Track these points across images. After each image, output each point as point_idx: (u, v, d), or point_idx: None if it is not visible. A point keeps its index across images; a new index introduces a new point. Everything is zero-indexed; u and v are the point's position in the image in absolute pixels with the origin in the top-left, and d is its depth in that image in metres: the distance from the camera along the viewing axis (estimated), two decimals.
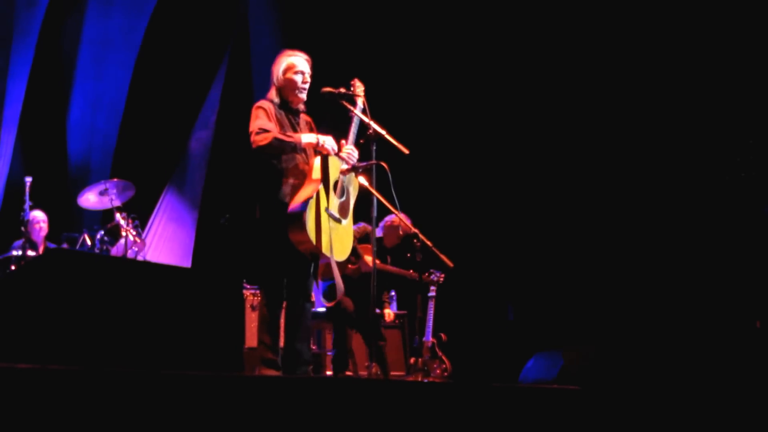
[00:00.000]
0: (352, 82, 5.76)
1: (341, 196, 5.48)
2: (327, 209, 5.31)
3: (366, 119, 5.58)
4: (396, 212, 6.00)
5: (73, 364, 3.15)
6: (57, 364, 2.89)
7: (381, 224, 7.95)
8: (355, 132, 5.61)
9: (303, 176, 5.39)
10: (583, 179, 9.58)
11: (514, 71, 10.10)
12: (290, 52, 5.62)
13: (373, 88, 5.83)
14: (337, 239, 5.36)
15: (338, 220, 5.40)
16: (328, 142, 5.43)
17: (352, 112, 5.60)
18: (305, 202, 5.21)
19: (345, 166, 5.53)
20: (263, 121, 5.36)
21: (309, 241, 5.17)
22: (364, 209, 5.92)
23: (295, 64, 5.55)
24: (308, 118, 5.74)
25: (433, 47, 10.46)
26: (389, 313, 8.15)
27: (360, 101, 5.65)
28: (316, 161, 5.41)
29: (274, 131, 5.30)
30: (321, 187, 5.32)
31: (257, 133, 5.28)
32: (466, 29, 10.37)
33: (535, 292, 9.87)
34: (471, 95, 10.35)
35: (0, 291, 4.01)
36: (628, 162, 9.23)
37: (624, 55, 9.32)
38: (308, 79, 5.59)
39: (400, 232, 7.85)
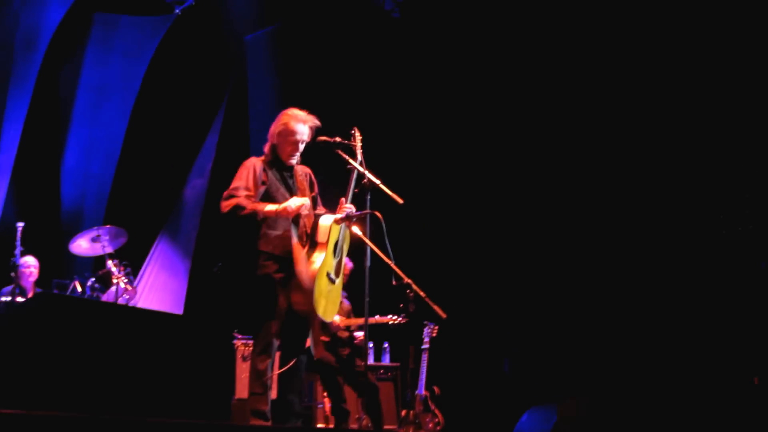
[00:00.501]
0: (352, 132, 5.81)
1: (337, 255, 5.53)
2: (328, 273, 5.38)
3: (361, 169, 5.63)
4: (389, 262, 6.03)
5: (60, 409, 3.17)
6: (44, 409, 2.90)
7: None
8: (353, 186, 5.65)
9: (284, 224, 5.43)
10: (572, 232, 9.63)
11: (505, 120, 10.20)
12: (295, 113, 5.67)
13: (370, 136, 5.90)
14: (331, 301, 5.44)
15: (333, 281, 5.45)
16: (291, 204, 5.44)
17: (350, 164, 5.65)
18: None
19: (339, 216, 5.57)
20: (239, 183, 5.47)
21: (312, 307, 5.25)
22: (357, 259, 5.96)
23: (295, 132, 5.61)
24: (307, 170, 5.80)
25: (428, 96, 10.58)
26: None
27: (358, 152, 5.70)
28: (323, 220, 5.47)
29: (241, 197, 5.39)
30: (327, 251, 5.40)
31: (225, 198, 5.42)
32: (455, 80, 10.51)
33: (531, 344, 9.86)
34: (464, 144, 10.45)
35: None
36: (614, 216, 9.28)
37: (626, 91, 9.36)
38: (300, 148, 5.66)
39: None
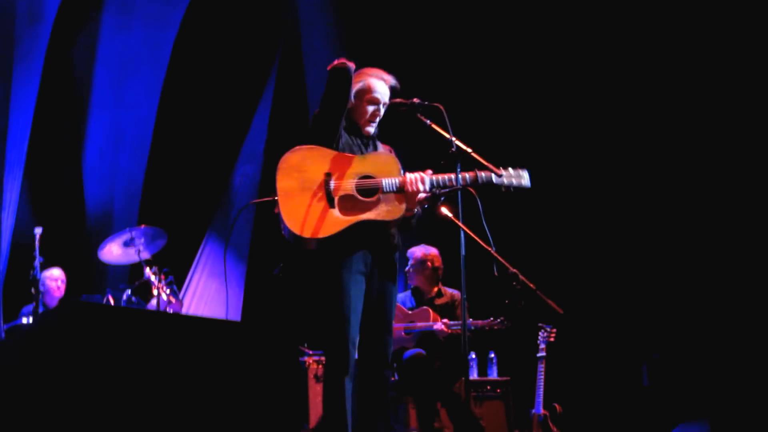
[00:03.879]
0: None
1: (367, 195, 5.41)
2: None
3: (448, 135, 5.60)
4: (489, 249, 6.01)
5: None
6: None
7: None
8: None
9: None
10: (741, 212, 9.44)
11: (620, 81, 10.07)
12: (372, 72, 5.68)
13: (451, 103, 5.86)
14: None
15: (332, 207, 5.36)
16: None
17: (436, 129, 5.62)
18: None
19: (422, 195, 5.53)
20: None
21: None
22: (448, 245, 5.95)
23: (373, 89, 5.60)
24: (388, 147, 5.77)
25: (530, 52, 10.47)
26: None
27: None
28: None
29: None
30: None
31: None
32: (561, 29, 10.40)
33: (676, 348, 9.70)
34: (587, 104, 10.29)
35: (8, 351, 4.14)
36: None
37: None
38: (381, 112, 5.65)
39: (430, 264, 7.94)
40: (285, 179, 5.27)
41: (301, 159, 5.32)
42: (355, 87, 5.58)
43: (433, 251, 8.01)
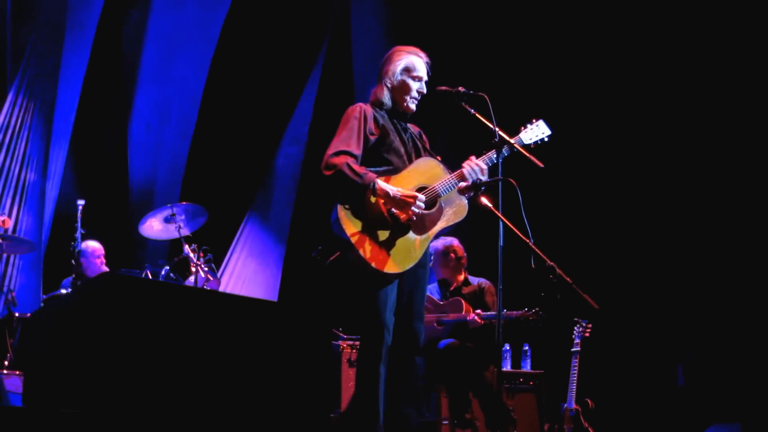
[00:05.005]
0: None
1: (430, 207, 5.47)
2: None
3: (491, 125, 5.60)
4: (527, 241, 6.01)
5: (128, 410, 3.28)
6: (107, 409, 3.01)
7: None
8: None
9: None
10: None
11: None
12: (410, 49, 5.73)
13: (495, 92, 5.85)
14: (400, 249, 5.37)
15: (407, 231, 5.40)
16: (413, 208, 5.33)
17: (480, 119, 5.62)
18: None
19: (463, 183, 5.55)
20: (344, 140, 5.44)
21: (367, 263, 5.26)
22: (486, 235, 5.95)
23: (416, 67, 5.66)
24: (418, 129, 5.81)
25: (577, 39, 10.41)
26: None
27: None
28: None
29: (347, 161, 5.33)
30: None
31: (330, 156, 5.36)
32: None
33: (712, 347, 9.64)
34: (628, 91, 10.23)
35: (45, 319, 4.20)
36: None
37: None
38: (425, 89, 5.70)
39: (453, 255, 7.93)
40: (350, 227, 5.29)
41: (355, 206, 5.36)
42: (398, 65, 5.63)
43: (454, 242, 8.02)
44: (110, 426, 3.18)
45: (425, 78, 5.68)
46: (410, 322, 5.55)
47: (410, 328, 5.55)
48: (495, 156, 5.59)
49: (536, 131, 5.76)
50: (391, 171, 5.45)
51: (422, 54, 5.72)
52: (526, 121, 5.83)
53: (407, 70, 5.64)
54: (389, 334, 5.40)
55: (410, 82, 5.64)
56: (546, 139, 5.78)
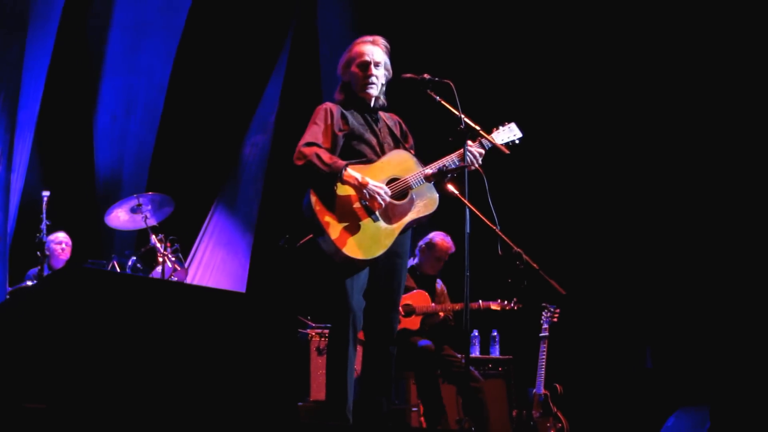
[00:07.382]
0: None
1: (401, 198, 5.49)
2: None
3: (457, 112, 5.61)
4: (494, 228, 6.03)
5: (93, 404, 3.26)
6: (72, 403, 3.00)
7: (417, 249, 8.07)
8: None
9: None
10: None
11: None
12: (359, 39, 5.75)
13: (462, 78, 5.87)
14: (369, 237, 5.41)
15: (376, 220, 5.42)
16: (378, 197, 5.36)
17: (445, 106, 5.64)
18: None
19: (429, 171, 5.57)
20: (313, 134, 5.49)
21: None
22: (453, 224, 5.97)
23: (360, 53, 5.66)
24: (396, 118, 5.82)
25: (541, 28, 10.43)
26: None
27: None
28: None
29: (316, 151, 5.39)
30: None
31: (301, 147, 5.42)
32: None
33: (680, 330, 9.69)
34: (595, 81, 10.26)
35: (10, 312, 4.17)
36: None
37: None
38: (374, 71, 5.66)
39: (446, 258, 7.98)
40: (322, 212, 5.34)
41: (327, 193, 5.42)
42: (344, 59, 5.72)
43: (452, 247, 8.04)
44: (76, 420, 3.17)
45: (374, 59, 5.63)
46: (386, 312, 5.57)
47: (386, 317, 5.58)
48: (487, 142, 5.70)
49: (508, 133, 5.88)
50: (364, 163, 5.47)
51: (369, 38, 5.72)
52: (498, 122, 5.89)
53: (352, 60, 5.66)
54: (357, 318, 5.44)
55: (357, 69, 5.64)
56: (517, 141, 5.89)
